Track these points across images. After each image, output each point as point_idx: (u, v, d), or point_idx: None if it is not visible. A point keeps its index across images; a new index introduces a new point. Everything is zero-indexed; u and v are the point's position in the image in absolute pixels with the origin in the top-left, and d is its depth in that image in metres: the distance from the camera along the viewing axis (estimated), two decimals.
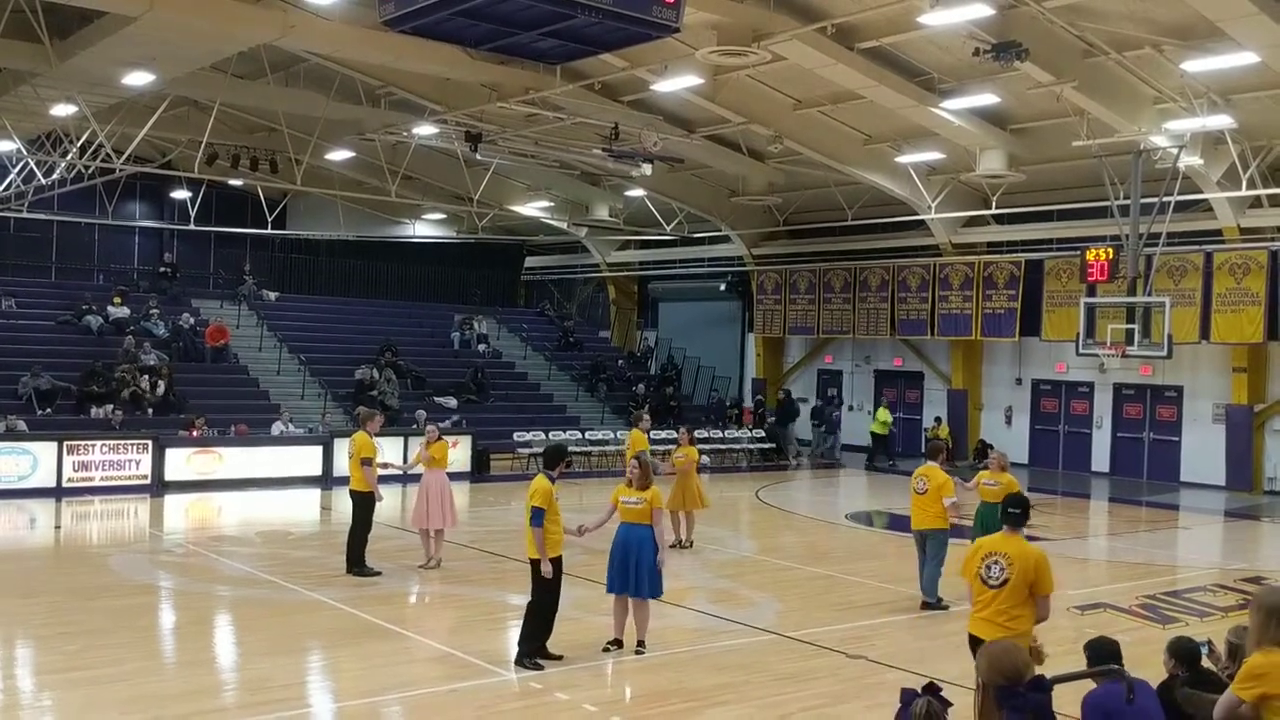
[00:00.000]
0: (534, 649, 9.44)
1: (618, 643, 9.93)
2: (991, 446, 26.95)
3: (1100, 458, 26.82)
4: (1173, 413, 25.56)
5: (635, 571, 9.60)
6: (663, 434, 24.48)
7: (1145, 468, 26.02)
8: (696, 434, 27.53)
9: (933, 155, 24.32)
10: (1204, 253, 23.57)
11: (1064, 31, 17.44)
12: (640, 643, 9.86)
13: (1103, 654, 5.66)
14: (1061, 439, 27.80)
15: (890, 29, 18.46)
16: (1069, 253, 25.21)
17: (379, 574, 12.92)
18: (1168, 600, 12.89)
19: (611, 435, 26.42)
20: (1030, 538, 19.47)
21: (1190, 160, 20.77)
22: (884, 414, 28.32)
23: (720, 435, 28.36)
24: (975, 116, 21.78)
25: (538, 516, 9.20)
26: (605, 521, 10.04)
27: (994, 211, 25.99)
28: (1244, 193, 21.63)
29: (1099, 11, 17.21)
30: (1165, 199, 20.82)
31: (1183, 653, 6.04)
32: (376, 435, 13.46)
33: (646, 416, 17.60)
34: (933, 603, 11.93)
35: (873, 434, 27.91)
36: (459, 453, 23.12)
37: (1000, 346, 28.62)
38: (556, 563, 9.35)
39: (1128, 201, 21.36)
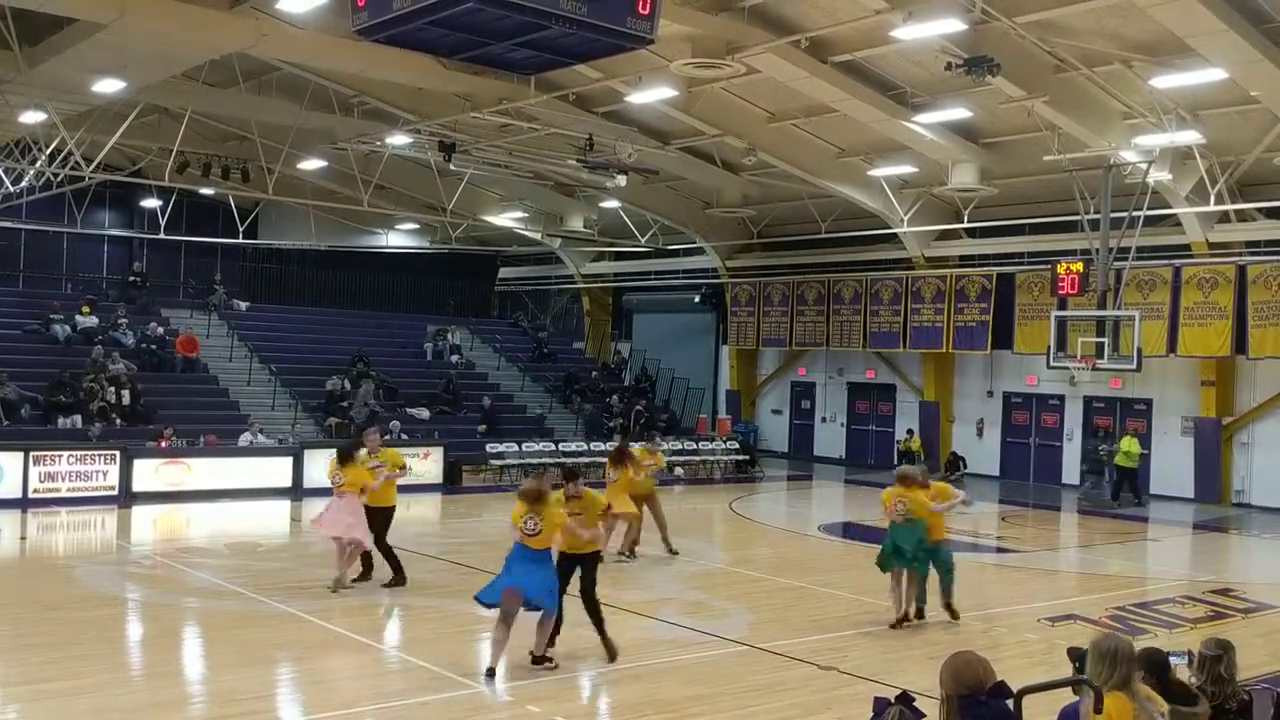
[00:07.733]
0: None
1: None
2: (963, 459, 27.14)
3: (1071, 470, 26.93)
4: (1142, 425, 25.73)
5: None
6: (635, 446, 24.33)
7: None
8: (670, 443, 27.67)
9: (905, 169, 24.43)
10: (1173, 267, 23.78)
11: (1035, 47, 17.60)
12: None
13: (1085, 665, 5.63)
14: (1032, 451, 27.94)
15: (863, 43, 18.58)
16: (1040, 266, 25.39)
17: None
18: (1137, 612, 12.96)
19: (585, 447, 26.32)
20: (1000, 549, 19.48)
21: (1159, 175, 20.97)
22: (1130, 443, 23.99)
23: (694, 446, 28.24)
24: (947, 130, 21.93)
25: None
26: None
27: (966, 225, 26.16)
28: (1212, 208, 21.83)
29: (1069, 28, 17.38)
30: (1135, 213, 21.03)
31: (1150, 664, 6.03)
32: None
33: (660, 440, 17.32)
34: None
35: (1119, 468, 23.96)
36: (430, 464, 23.05)
37: (972, 359, 28.75)
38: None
39: (1098, 216, 21.55)
